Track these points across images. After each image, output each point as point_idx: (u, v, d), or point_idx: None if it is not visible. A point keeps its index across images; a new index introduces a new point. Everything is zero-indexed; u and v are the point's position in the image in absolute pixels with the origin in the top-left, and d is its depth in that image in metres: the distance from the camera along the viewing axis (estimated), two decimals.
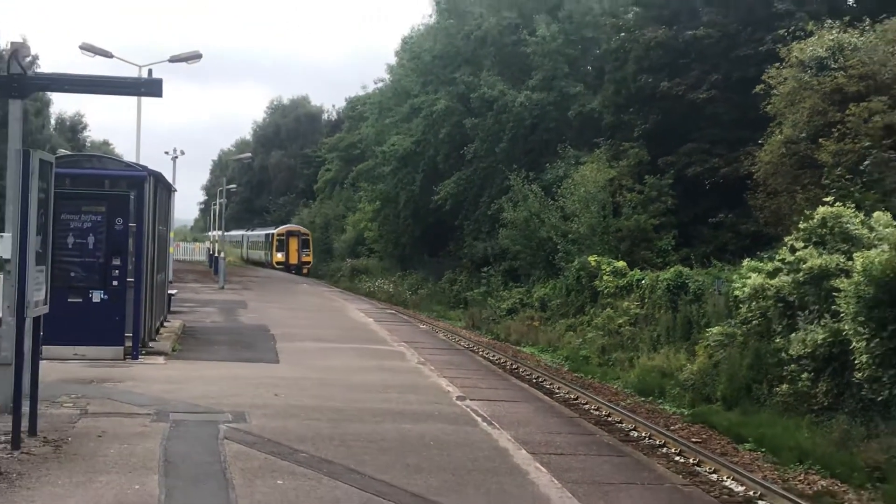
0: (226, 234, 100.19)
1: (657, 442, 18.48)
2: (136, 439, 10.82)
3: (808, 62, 28.15)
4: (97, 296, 16.63)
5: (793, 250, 20.26)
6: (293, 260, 78.02)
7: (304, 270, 76.95)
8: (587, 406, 22.23)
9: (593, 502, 9.18)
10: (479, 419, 13.13)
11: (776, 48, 31.15)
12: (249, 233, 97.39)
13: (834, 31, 28.90)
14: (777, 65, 29.75)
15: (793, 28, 31.52)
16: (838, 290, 17.35)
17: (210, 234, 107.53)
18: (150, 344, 18.85)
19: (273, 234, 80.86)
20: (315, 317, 29.49)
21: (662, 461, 16.22)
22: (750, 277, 21.43)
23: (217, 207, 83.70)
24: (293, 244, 78.48)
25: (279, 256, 78.42)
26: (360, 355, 19.88)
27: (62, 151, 50.99)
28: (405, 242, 63.33)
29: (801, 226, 20.67)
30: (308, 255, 78.87)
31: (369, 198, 65.80)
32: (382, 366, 18.30)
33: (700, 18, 37.19)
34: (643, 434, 19.17)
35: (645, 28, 38.97)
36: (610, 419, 20.72)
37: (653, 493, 9.95)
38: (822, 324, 18.27)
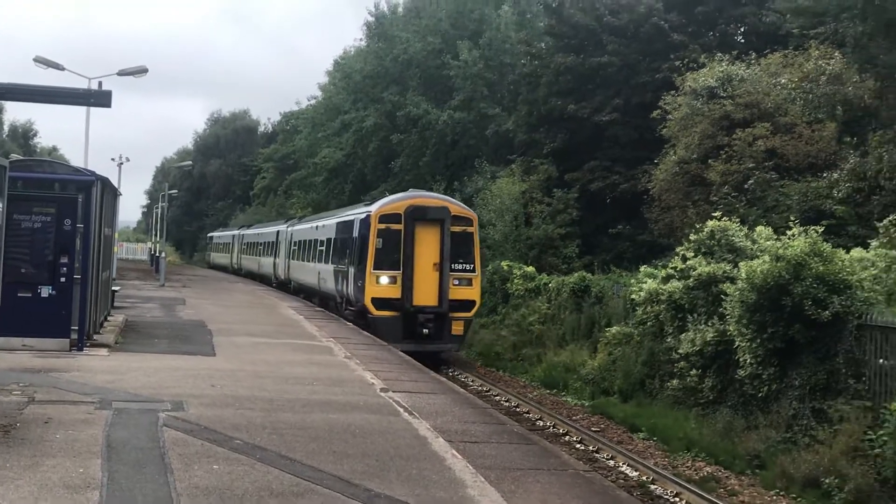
0: (244, 232, 65.11)
1: (561, 431, 18.66)
2: (81, 426, 10.59)
3: (699, 91, 28.74)
4: (45, 291, 16.31)
5: (684, 259, 20.58)
6: (427, 296, 25.87)
7: (457, 328, 26.24)
8: (498, 398, 22.34)
9: (504, 486, 9.20)
10: (400, 410, 13.09)
11: (672, 77, 31.74)
12: (296, 228, 43.84)
13: (723, 64, 29.55)
14: (672, 92, 30.32)
15: (686, 59, 32.15)
16: (725, 296, 17.67)
17: (217, 233, 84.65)
18: (95, 336, 18.46)
19: (367, 218, 26.96)
20: (249, 313, 29.11)
21: (566, 448, 16.37)
22: (645, 283, 21.72)
23: (158, 211, 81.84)
24: (429, 245, 26.04)
25: (384, 283, 26.00)
26: (291, 350, 19.67)
27: (14, 156, 49.72)
28: None
29: (692, 237, 21.01)
30: (473, 286, 26.58)
31: (301, 205, 65.31)
32: (312, 360, 18.13)
33: (605, 48, 37.66)
34: (548, 423, 19.34)
35: (555, 55, 39.39)
36: (519, 410, 20.86)
37: (558, 477, 10.00)
38: (710, 325, 18.58)
